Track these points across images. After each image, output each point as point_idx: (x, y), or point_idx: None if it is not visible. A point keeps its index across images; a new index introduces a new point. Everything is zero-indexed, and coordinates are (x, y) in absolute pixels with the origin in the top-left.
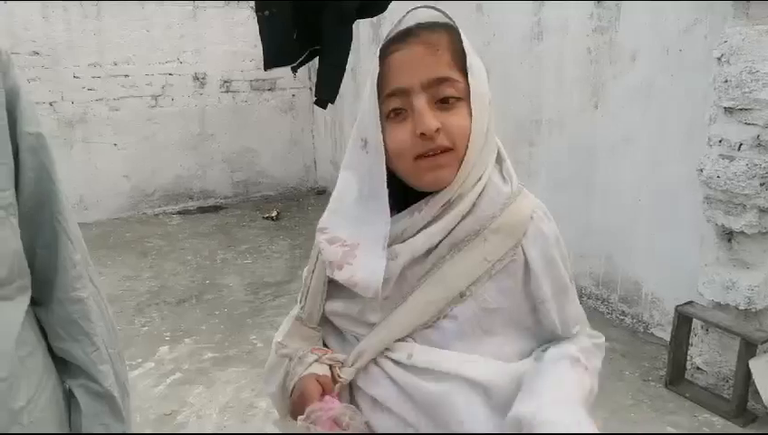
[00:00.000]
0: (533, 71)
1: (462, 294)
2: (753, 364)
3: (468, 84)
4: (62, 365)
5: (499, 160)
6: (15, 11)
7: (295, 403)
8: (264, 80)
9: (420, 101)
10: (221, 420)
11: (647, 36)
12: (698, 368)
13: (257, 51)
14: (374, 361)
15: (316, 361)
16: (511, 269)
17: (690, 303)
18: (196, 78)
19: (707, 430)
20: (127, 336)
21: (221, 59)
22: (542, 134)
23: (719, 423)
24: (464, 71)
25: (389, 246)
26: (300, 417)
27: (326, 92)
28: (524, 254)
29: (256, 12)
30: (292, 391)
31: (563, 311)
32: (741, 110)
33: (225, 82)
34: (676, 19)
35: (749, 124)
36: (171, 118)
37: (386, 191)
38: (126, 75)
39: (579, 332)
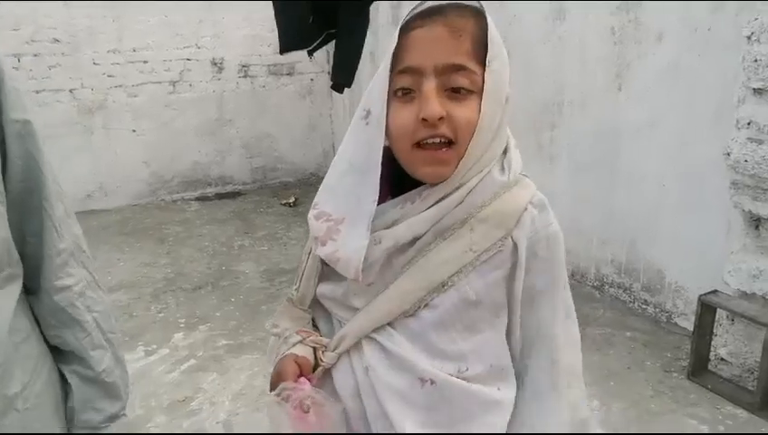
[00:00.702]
0: (556, 52)
1: (443, 284)
2: None
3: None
4: (57, 352)
5: (503, 152)
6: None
7: (273, 382)
8: (282, 64)
9: (430, 85)
10: (234, 407)
11: (674, 14)
12: (722, 359)
13: (275, 35)
14: (354, 347)
15: (300, 342)
16: (497, 261)
17: (714, 292)
18: (214, 63)
19: (730, 423)
20: (142, 323)
21: (239, 44)
22: (565, 116)
23: (743, 416)
24: (483, 63)
25: (375, 231)
26: (272, 393)
27: (342, 76)
28: (514, 243)
29: None
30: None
31: (556, 312)
32: None
33: (244, 66)
34: None
35: None
36: (190, 103)
37: (379, 168)
38: (144, 61)
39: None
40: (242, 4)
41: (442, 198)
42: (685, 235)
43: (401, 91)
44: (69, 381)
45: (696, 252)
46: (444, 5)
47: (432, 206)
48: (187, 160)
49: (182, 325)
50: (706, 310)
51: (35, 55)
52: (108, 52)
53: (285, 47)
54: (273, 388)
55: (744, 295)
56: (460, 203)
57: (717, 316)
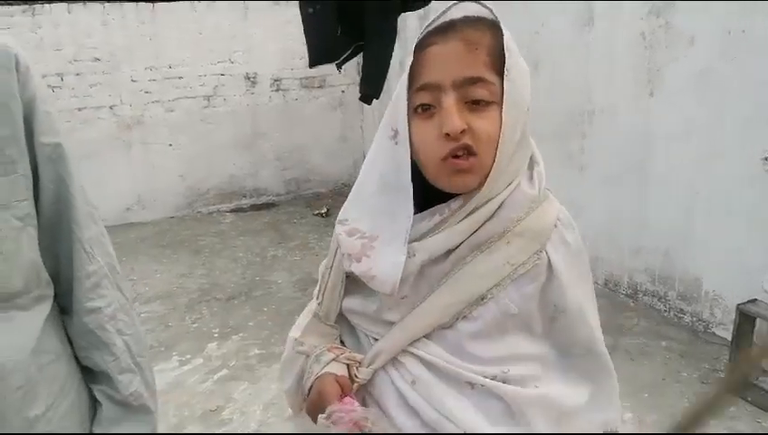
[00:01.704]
0: (584, 59)
1: (483, 297)
2: None
3: (504, 88)
4: (89, 372)
5: (531, 164)
6: (79, 19)
7: (313, 402)
8: (313, 77)
9: (449, 100)
10: (264, 417)
11: (706, 17)
12: (764, 371)
13: (306, 49)
14: (391, 361)
15: (333, 359)
16: (533, 274)
17: (754, 301)
18: (247, 78)
19: None
20: (177, 333)
21: (271, 58)
22: (595, 125)
23: None
24: (501, 73)
25: (407, 243)
26: (321, 416)
27: (370, 88)
28: (549, 259)
29: (301, 10)
30: (309, 390)
31: (590, 323)
32: None
33: (276, 80)
34: None
35: None
36: (224, 117)
37: (410, 185)
38: (180, 77)
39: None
40: (273, 19)
41: (473, 211)
42: (721, 242)
43: (421, 108)
44: (98, 400)
45: (733, 260)
46: (457, 20)
47: (464, 218)
48: (222, 173)
49: (216, 335)
50: (745, 319)
51: (77, 74)
52: (145, 69)
53: (315, 61)
54: (314, 407)
55: None
56: (493, 216)
57: (758, 327)
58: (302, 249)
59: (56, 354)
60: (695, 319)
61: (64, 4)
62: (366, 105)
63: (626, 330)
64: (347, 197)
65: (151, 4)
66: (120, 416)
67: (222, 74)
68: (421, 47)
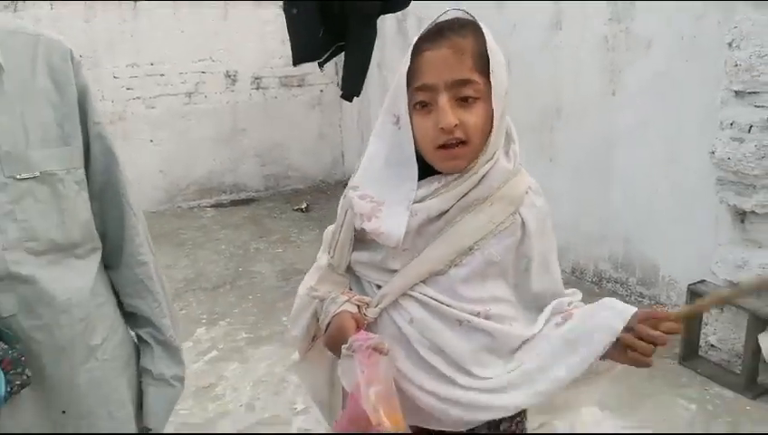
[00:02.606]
0: (553, 60)
1: (471, 248)
2: (763, 338)
3: (489, 83)
4: (131, 318)
5: (507, 141)
6: (61, 15)
7: (333, 337)
8: (293, 76)
9: (443, 99)
10: (255, 392)
11: (661, 24)
12: (712, 345)
13: (286, 48)
14: (392, 303)
15: (347, 301)
16: (511, 230)
17: (702, 281)
18: (227, 75)
19: (718, 402)
20: None
21: (251, 56)
22: (563, 121)
23: (729, 396)
24: (485, 72)
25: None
26: (343, 347)
27: (352, 86)
28: (522, 219)
29: (284, 10)
30: (327, 327)
31: (555, 271)
32: (750, 93)
33: (256, 78)
34: (690, 6)
35: (758, 107)
36: (204, 114)
37: (415, 162)
38: (161, 74)
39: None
40: (254, 19)
41: (463, 181)
42: (677, 230)
43: (419, 105)
44: (145, 340)
45: (687, 246)
46: (444, 27)
47: (456, 187)
48: (202, 169)
49: (204, 321)
50: (695, 298)
51: None
52: (126, 66)
53: (298, 59)
54: (333, 340)
55: (731, 285)
56: (478, 184)
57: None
58: (284, 242)
59: (105, 298)
60: (653, 302)
61: (47, 1)
62: (345, 104)
63: None
64: (325, 193)
65: (134, 2)
66: (163, 354)
67: (203, 72)
68: (417, 52)
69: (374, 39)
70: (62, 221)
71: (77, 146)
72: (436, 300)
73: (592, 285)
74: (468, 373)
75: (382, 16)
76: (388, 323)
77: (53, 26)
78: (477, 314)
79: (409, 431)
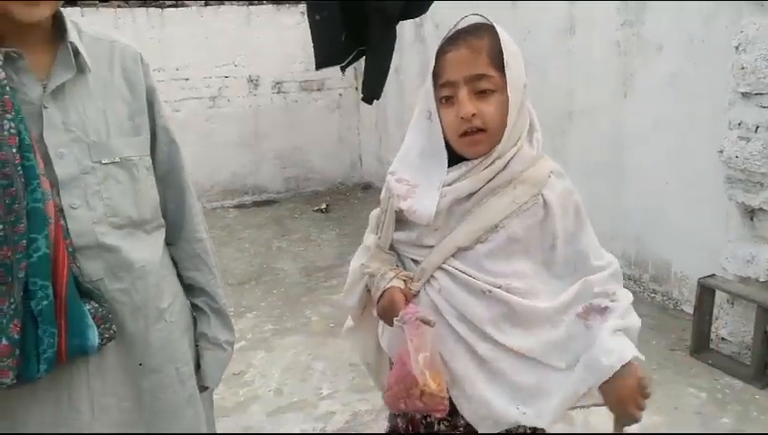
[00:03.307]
0: (566, 64)
1: (496, 226)
2: None
3: (505, 77)
4: (189, 289)
5: (531, 130)
6: (92, 22)
7: (386, 308)
8: (312, 81)
9: (463, 92)
10: (282, 379)
11: (671, 28)
12: (723, 338)
13: (306, 53)
14: (431, 277)
15: (395, 277)
16: (533, 210)
17: (712, 275)
18: (250, 80)
19: (728, 392)
20: None
21: (273, 62)
22: (575, 124)
23: (738, 385)
24: (501, 67)
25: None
26: (395, 319)
27: (372, 90)
28: (544, 200)
29: (308, 16)
30: (378, 299)
31: (582, 243)
32: (756, 94)
33: (277, 83)
34: (699, 11)
35: (764, 108)
36: (228, 118)
37: (445, 151)
38: (186, 79)
39: (601, 264)
40: (276, 26)
41: (489, 165)
42: (688, 228)
43: (444, 99)
44: (201, 308)
45: (698, 243)
46: (462, 31)
47: (483, 171)
48: (225, 171)
49: (231, 314)
50: (705, 291)
51: None
52: (153, 70)
53: (321, 64)
54: (385, 313)
55: (741, 279)
56: (504, 169)
57: (719, 301)
58: (305, 241)
59: (169, 271)
60: (665, 298)
61: (78, 9)
62: (363, 108)
63: None
64: (344, 195)
65: (160, 10)
66: (217, 321)
67: (226, 77)
68: (440, 54)
69: (394, 43)
70: (136, 201)
71: (146, 136)
72: (463, 272)
73: None
74: (487, 339)
75: (401, 22)
76: (422, 294)
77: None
78: (500, 287)
79: (447, 395)
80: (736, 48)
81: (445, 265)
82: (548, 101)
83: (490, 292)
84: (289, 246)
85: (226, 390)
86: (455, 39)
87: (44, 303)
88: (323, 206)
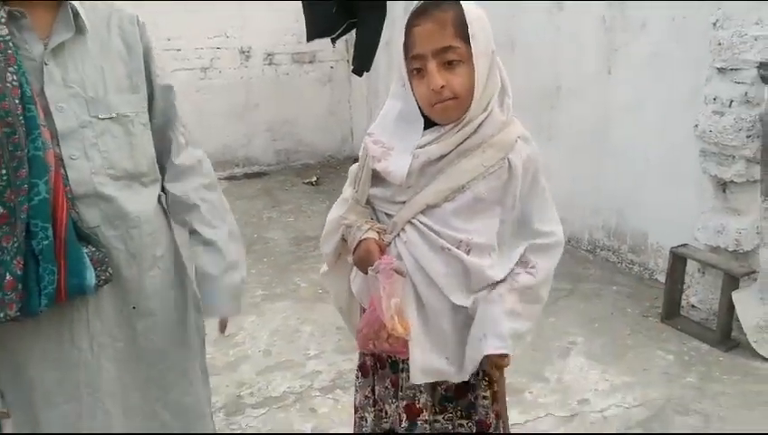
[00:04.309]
0: (554, 40)
1: (463, 187)
2: (736, 296)
3: (471, 47)
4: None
5: (502, 94)
6: None
7: (362, 258)
8: (304, 53)
9: (431, 65)
10: (271, 340)
11: (654, 5)
12: (693, 306)
13: (298, 25)
14: (401, 230)
15: (370, 229)
16: (499, 173)
17: (684, 245)
18: (241, 52)
19: (693, 354)
20: None
21: (265, 34)
22: (562, 100)
23: (704, 348)
24: (467, 38)
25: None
26: (370, 269)
27: (362, 62)
28: (509, 163)
29: None
30: (354, 249)
31: (532, 208)
32: (731, 70)
33: (269, 55)
34: None
35: (738, 83)
36: (219, 89)
37: (420, 117)
38: (178, 49)
39: (544, 230)
40: None
41: (460, 129)
42: (665, 201)
43: (415, 71)
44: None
45: (674, 215)
46: (429, 5)
47: (454, 134)
48: (216, 143)
49: None
50: (677, 260)
51: None
52: None
53: (312, 36)
54: (360, 262)
55: (711, 248)
56: (474, 133)
57: (690, 270)
58: (295, 212)
59: (164, 222)
60: (642, 268)
61: None
62: (354, 81)
63: (583, 278)
64: (335, 168)
65: None
66: (211, 260)
67: (218, 48)
68: (408, 27)
69: (384, 17)
70: (132, 154)
71: (143, 95)
72: (429, 228)
73: (587, 253)
74: (437, 293)
75: None
76: (393, 246)
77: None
78: (460, 242)
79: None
80: (714, 24)
81: (414, 220)
82: (536, 77)
83: (449, 250)
84: (279, 216)
85: (216, 350)
86: (422, 12)
87: (45, 243)
88: (314, 178)
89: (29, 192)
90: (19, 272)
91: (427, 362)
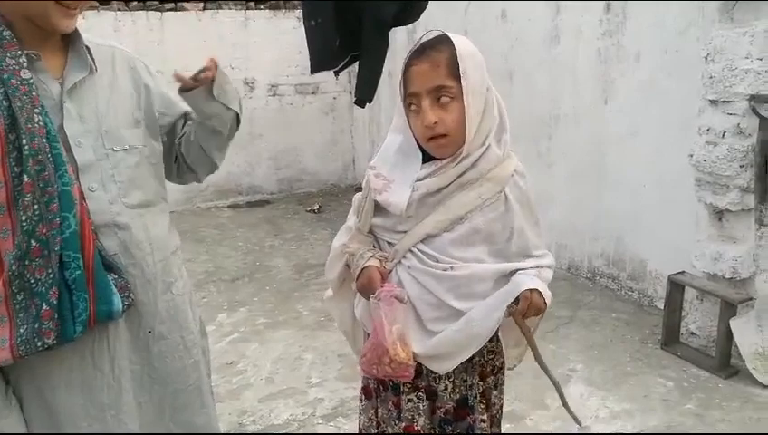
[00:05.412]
0: (551, 71)
1: (461, 218)
2: (734, 324)
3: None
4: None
5: (500, 131)
6: (92, 25)
7: (364, 285)
8: (307, 84)
9: (425, 103)
10: (274, 368)
11: (649, 38)
12: (692, 333)
13: (301, 57)
14: (403, 257)
15: (372, 256)
16: (496, 205)
17: (682, 272)
18: (246, 83)
19: (693, 381)
20: None
21: (268, 65)
22: (560, 128)
23: (704, 375)
24: (459, 77)
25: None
26: (372, 296)
27: (365, 93)
28: (506, 196)
29: (304, 22)
30: (358, 277)
31: (528, 238)
32: (723, 102)
33: (273, 86)
34: (674, 22)
35: (730, 114)
36: None
37: (419, 150)
38: None
39: (538, 254)
40: (271, 30)
41: (458, 163)
42: (663, 229)
43: (412, 106)
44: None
45: (672, 243)
46: (426, 45)
47: (452, 168)
48: (220, 171)
49: (225, 308)
50: (675, 288)
51: None
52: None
53: (315, 68)
54: (363, 289)
55: (709, 276)
56: (472, 167)
57: (689, 297)
58: (298, 240)
59: (176, 248)
60: (641, 295)
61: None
62: (356, 111)
63: (583, 305)
64: (337, 196)
65: (160, 13)
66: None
67: None
68: (406, 66)
69: (386, 50)
70: (143, 183)
71: (144, 129)
72: (429, 256)
73: (587, 281)
74: (437, 307)
75: (394, 29)
76: (394, 272)
77: (86, 35)
78: (452, 268)
79: (414, 363)
80: (705, 58)
81: (414, 249)
82: (535, 106)
83: (452, 268)
84: (281, 244)
85: (220, 378)
86: (419, 53)
87: (77, 272)
88: (316, 206)
89: (60, 225)
90: (55, 302)
91: (444, 366)
